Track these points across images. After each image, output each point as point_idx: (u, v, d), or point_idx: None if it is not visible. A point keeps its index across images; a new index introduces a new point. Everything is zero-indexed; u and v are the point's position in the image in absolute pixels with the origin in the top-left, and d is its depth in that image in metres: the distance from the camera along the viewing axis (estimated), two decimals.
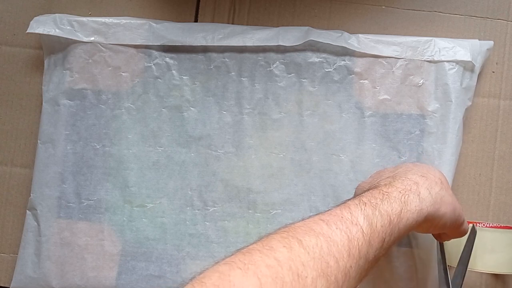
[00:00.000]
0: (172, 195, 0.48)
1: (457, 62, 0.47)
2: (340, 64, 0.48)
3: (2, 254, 0.50)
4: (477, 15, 0.50)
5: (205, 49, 0.49)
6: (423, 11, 0.50)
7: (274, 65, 0.49)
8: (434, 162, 0.47)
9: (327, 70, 0.48)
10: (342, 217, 0.31)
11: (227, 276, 0.26)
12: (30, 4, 0.51)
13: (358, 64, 0.48)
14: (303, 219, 0.32)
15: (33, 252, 0.48)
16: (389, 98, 0.48)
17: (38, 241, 0.48)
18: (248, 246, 0.29)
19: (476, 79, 0.48)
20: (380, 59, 0.48)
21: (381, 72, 0.48)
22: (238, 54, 0.49)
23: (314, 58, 0.48)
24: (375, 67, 0.48)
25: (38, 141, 0.49)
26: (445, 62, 0.47)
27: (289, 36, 0.48)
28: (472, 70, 0.47)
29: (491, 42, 0.48)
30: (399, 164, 0.42)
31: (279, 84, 0.49)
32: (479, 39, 0.49)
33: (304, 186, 0.48)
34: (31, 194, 0.48)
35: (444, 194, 0.37)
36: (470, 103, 0.48)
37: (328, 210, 0.33)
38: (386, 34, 0.49)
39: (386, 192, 0.35)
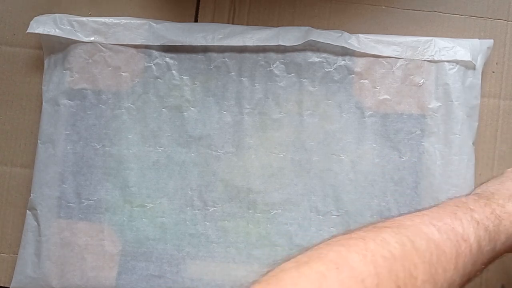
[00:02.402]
0: (172, 195, 0.48)
1: (457, 62, 0.47)
2: (340, 64, 0.48)
3: (2, 254, 0.50)
4: (477, 15, 0.50)
5: (205, 49, 0.49)
6: (423, 11, 0.50)
7: (274, 65, 0.49)
8: (436, 162, 0.47)
9: (327, 70, 0.48)
10: (453, 228, 0.30)
11: (345, 257, 0.26)
12: (30, 4, 0.51)
13: (358, 64, 0.48)
14: (404, 215, 0.31)
15: (33, 252, 0.48)
16: (389, 98, 0.48)
17: (38, 241, 0.48)
18: (355, 232, 0.29)
19: (480, 77, 0.47)
20: (380, 59, 0.48)
21: (381, 72, 0.48)
22: (238, 54, 0.49)
23: (314, 58, 0.48)
24: (375, 67, 0.48)
25: (38, 141, 0.49)
26: (445, 62, 0.47)
27: (289, 36, 0.48)
28: (474, 69, 0.47)
29: (491, 41, 0.48)
30: None
31: (279, 84, 0.49)
32: (479, 39, 0.49)
33: (304, 186, 0.48)
34: (31, 194, 0.48)
35: None
36: (477, 101, 0.47)
37: (435, 213, 0.31)
38: (386, 34, 0.49)
39: (498, 216, 0.33)
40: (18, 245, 0.49)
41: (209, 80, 0.49)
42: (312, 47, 0.48)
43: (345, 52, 0.48)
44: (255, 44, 0.48)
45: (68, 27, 0.49)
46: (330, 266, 0.25)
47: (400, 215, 0.31)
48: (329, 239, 0.28)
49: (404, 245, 0.27)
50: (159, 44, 0.49)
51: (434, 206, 0.33)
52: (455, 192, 0.46)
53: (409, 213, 0.32)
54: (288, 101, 0.48)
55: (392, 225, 0.29)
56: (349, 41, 0.48)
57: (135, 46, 0.49)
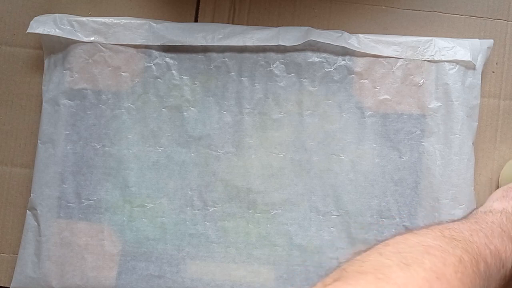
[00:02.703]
0: (172, 195, 0.48)
1: (457, 62, 0.47)
2: (340, 64, 0.48)
3: (2, 254, 0.50)
4: (477, 15, 0.50)
5: (205, 49, 0.49)
6: (423, 11, 0.50)
7: (274, 65, 0.49)
8: (436, 162, 0.47)
9: (327, 70, 0.48)
10: (499, 254, 0.32)
11: (442, 269, 0.27)
12: (30, 4, 0.51)
13: (358, 64, 0.48)
14: (458, 222, 0.34)
15: (33, 252, 0.48)
16: (389, 98, 0.48)
17: (38, 241, 0.48)
18: (425, 235, 0.30)
19: (479, 77, 0.47)
20: (380, 59, 0.48)
21: (381, 72, 0.48)
22: (238, 54, 0.49)
23: (314, 58, 0.48)
24: (375, 67, 0.48)
25: (38, 141, 0.49)
26: (445, 62, 0.47)
27: (289, 36, 0.48)
28: (474, 69, 0.47)
29: (491, 41, 0.48)
30: None
31: (279, 84, 0.49)
32: (479, 39, 0.49)
33: (304, 186, 0.48)
34: (31, 194, 0.48)
35: None
36: (477, 101, 0.47)
37: (486, 230, 0.33)
38: (386, 34, 0.49)
39: None
40: (18, 245, 0.49)
41: (209, 80, 0.49)
42: (312, 47, 0.48)
43: (345, 52, 0.48)
44: (255, 44, 0.48)
45: (68, 27, 0.49)
46: (432, 275, 0.26)
47: (453, 221, 0.33)
48: (400, 239, 0.30)
49: (472, 265, 0.29)
50: (159, 44, 0.49)
51: (480, 218, 0.35)
52: (455, 192, 0.46)
53: (461, 221, 0.34)
54: (288, 101, 0.48)
55: (459, 237, 0.31)
56: (349, 41, 0.48)
57: (135, 46, 0.49)
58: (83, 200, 0.48)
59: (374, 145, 0.48)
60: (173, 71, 0.49)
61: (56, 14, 0.49)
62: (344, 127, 0.48)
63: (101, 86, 0.49)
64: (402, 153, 0.48)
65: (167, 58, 0.49)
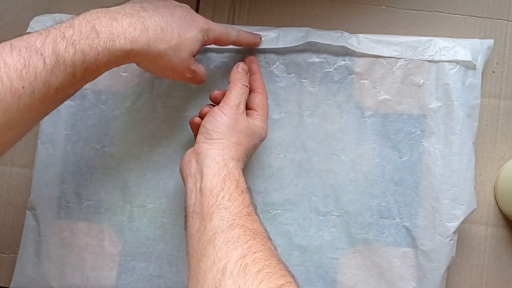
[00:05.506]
0: (172, 195, 0.48)
1: (458, 62, 0.47)
2: (340, 64, 0.48)
3: (2, 254, 0.50)
4: (477, 15, 0.50)
5: (205, 49, 0.49)
6: (423, 11, 0.50)
7: (274, 66, 0.49)
8: (437, 162, 0.47)
9: (327, 70, 0.48)
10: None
11: None
12: (30, 4, 0.51)
13: (358, 64, 0.48)
14: None
15: (33, 252, 0.48)
16: (389, 98, 0.48)
17: (38, 241, 0.48)
18: None
19: (480, 77, 0.47)
20: (380, 59, 0.48)
21: (381, 72, 0.48)
22: (238, 54, 0.49)
23: (314, 58, 0.48)
24: (375, 67, 0.48)
25: (38, 141, 0.49)
26: (445, 62, 0.47)
27: (289, 38, 0.48)
28: (474, 69, 0.47)
29: (492, 41, 0.48)
30: None
31: (279, 84, 0.49)
32: (480, 39, 0.48)
33: (304, 186, 0.48)
34: (31, 194, 0.48)
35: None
36: (477, 101, 0.47)
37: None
38: (386, 34, 0.49)
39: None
40: (18, 245, 0.49)
41: (209, 80, 0.49)
42: (312, 47, 0.48)
43: (345, 52, 0.48)
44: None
45: None
46: None
47: None
48: None
49: None
50: None
51: None
52: (455, 192, 0.46)
53: None
54: (288, 101, 0.48)
55: None
56: (349, 41, 0.48)
57: None
58: (83, 200, 0.48)
59: (374, 145, 0.48)
60: None
61: (56, 14, 0.49)
62: (344, 127, 0.48)
63: (101, 86, 0.49)
64: (402, 153, 0.48)
65: None
